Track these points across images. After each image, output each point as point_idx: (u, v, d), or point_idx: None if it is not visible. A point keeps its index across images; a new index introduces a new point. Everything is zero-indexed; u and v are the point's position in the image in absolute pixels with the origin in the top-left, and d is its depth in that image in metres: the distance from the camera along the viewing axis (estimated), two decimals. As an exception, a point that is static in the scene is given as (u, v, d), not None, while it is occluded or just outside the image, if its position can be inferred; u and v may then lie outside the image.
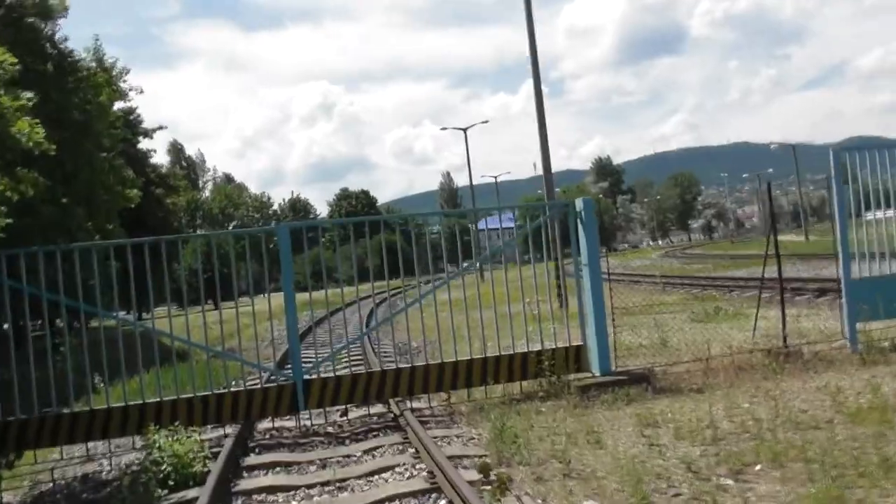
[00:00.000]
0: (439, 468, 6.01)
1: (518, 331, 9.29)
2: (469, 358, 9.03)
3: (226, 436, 8.45)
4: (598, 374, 9.17)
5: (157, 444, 6.86)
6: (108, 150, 22.00)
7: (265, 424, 8.96)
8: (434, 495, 5.77)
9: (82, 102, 20.38)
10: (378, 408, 9.26)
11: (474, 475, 5.86)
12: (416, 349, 11.82)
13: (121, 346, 8.39)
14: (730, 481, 5.13)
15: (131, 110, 30.21)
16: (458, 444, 7.33)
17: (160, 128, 31.74)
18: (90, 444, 8.50)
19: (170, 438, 7.04)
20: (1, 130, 7.63)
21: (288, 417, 8.97)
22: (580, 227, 9.37)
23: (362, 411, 9.14)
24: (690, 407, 7.43)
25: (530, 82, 21.62)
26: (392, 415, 8.87)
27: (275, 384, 8.60)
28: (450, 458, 6.37)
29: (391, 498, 5.80)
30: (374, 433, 8.20)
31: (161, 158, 67.20)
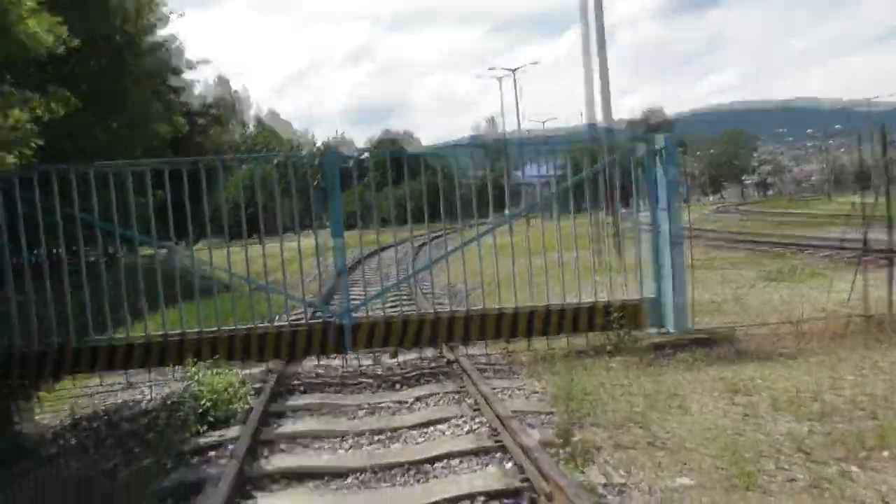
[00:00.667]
0: (504, 425, 5.36)
1: (577, 281, 8.52)
2: (531, 306, 8.31)
3: (269, 372, 7.96)
4: (672, 330, 8.39)
5: (197, 378, 6.35)
6: (152, 76, 21.49)
7: (310, 363, 8.44)
8: (497, 456, 5.12)
9: (124, 24, 19.80)
10: (430, 352, 8.66)
11: (540, 435, 5.22)
12: (469, 292, 11.09)
13: (159, 276, 7.88)
14: (854, 468, 4.37)
15: (173, 38, 29.51)
16: (520, 397, 6.68)
17: (204, 60, 30.99)
18: (132, 372, 8.10)
19: (210, 372, 6.52)
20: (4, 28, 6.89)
21: (335, 357, 8.44)
22: (659, 167, 8.46)
23: (413, 354, 8.55)
24: (784, 374, 6.63)
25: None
26: (445, 360, 8.26)
27: (320, 322, 8.03)
28: (514, 413, 5.72)
29: (448, 455, 5.18)
30: (427, 379, 7.61)
31: (207, 91, 66.82)
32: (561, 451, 4.90)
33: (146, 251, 9.53)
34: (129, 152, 18.43)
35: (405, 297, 12.80)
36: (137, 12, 20.48)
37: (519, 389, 6.95)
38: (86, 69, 19.35)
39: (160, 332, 7.81)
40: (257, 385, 7.47)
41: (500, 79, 49.61)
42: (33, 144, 8.40)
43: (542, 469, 4.34)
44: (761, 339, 7.99)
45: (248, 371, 8.17)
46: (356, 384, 7.56)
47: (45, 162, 7.76)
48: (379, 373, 8.02)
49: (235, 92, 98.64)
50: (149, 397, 7.69)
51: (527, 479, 4.49)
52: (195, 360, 7.39)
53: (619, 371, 7.32)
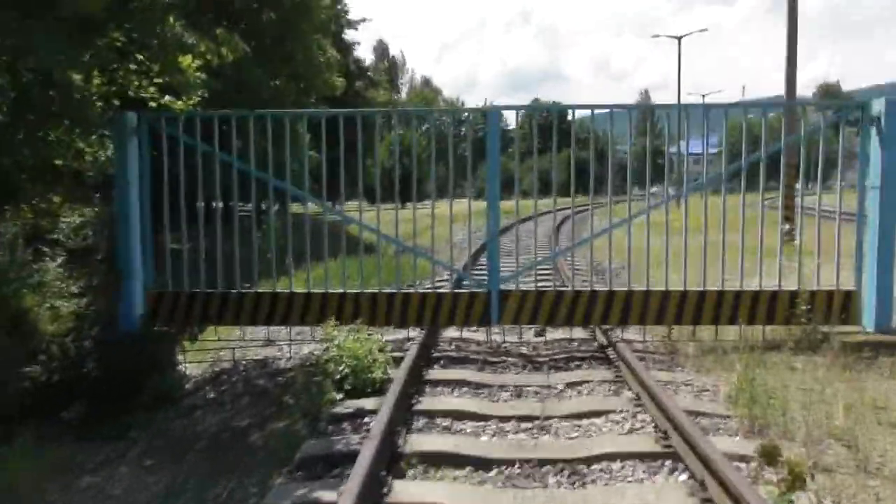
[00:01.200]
0: (675, 427, 4.57)
1: (759, 265, 7.40)
2: (700, 290, 7.34)
3: (409, 340, 7.58)
4: (870, 329, 7.14)
5: (337, 343, 6.02)
6: (321, 32, 21.83)
7: (451, 333, 7.97)
8: (668, 465, 4.35)
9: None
10: (578, 332, 7.92)
11: (721, 443, 4.39)
12: (617, 271, 10.15)
13: (307, 231, 7.65)
14: None
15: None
16: (687, 394, 5.82)
17: (364, 20, 31.37)
18: (273, 329, 8.02)
19: (350, 337, 6.18)
20: None
21: (475, 330, 7.91)
22: (873, 137, 7.13)
23: (560, 333, 7.84)
24: None
25: None
26: (597, 344, 7.50)
27: (467, 290, 7.50)
28: (685, 413, 4.90)
29: (608, 457, 4.47)
30: (577, 363, 6.90)
31: (366, 54, 68.55)
32: (755, 465, 4.06)
33: (297, 207, 9.44)
34: (292, 107, 18.94)
35: (546, 274, 12.08)
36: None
37: (685, 385, 6.08)
38: (258, 21, 19.90)
39: (304, 290, 7.62)
40: (397, 354, 7.09)
41: (678, 38, 46.63)
42: (201, 93, 8.48)
43: (729, 489, 3.55)
44: None
45: (388, 337, 7.84)
46: (500, 362, 6.99)
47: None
48: (524, 351, 7.41)
49: (393, 57, 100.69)
50: (288, 355, 7.55)
51: (709, 501, 3.71)
52: (337, 321, 7.14)
53: (808, 372, 6.25)
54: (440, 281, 10.47)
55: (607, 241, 7.68)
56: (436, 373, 6.56)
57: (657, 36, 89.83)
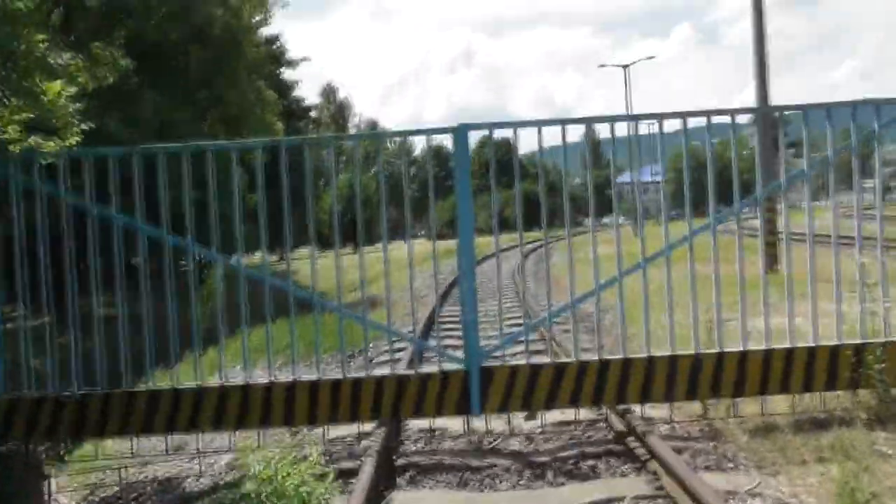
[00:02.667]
0: None
1: (812, 309, 5.73)
2: (741, 350, 5.63)
3: (362, 437, 5.69)
4: (960, 390, 5.52)
5: (253, 473, 4.07)
6: (254, 71, 20.10)
7: (419, 422, 6.08)
8: None
9: (227, 17, 18.44)
10: (583, 412, 6.10)
11: None
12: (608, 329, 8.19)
13: (219, 296, 5.72)
14: None
15: (275, 38, 28.38)
16: (763, 513, 4.05)
17: (304, 59, 29.80)
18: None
19: (274, 460, 4.23)
20: None
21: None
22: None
23: (559, 413, 5.99)
24: None
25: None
26: (611, 429, 5.71)
27: (437, 371, 5.63)
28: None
29: None
30: (592, 462, 5.09)
31: (312, 97, 66.98)
32: None
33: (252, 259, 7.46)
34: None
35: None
36: (243, 3, 19.13)
37: (756, 496, 4.31)
38: (185, 61, 17.96)
39: (215, 383, 5.65)
40: (347, 464, 5.18)
41: (625, 67, 46.41)
42: (76, 126, 6.51)
43: None
44: None
45: (336, 432, 5.92)
46: (487, 467, 5.12)
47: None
48: (517, 447, 5.56)
49: (341, 100, 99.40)
50: (196, 470, 5.55)
51: None
52: (262, 424, 5.23)
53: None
54: (399, 346, 8.58)
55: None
56: (404, 494, 4.66)
57: (604, 66, 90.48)
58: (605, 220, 33.33)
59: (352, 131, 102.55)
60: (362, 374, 5.64)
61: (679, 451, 5.02)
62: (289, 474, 4.09)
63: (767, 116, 16.06)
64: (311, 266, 5.62)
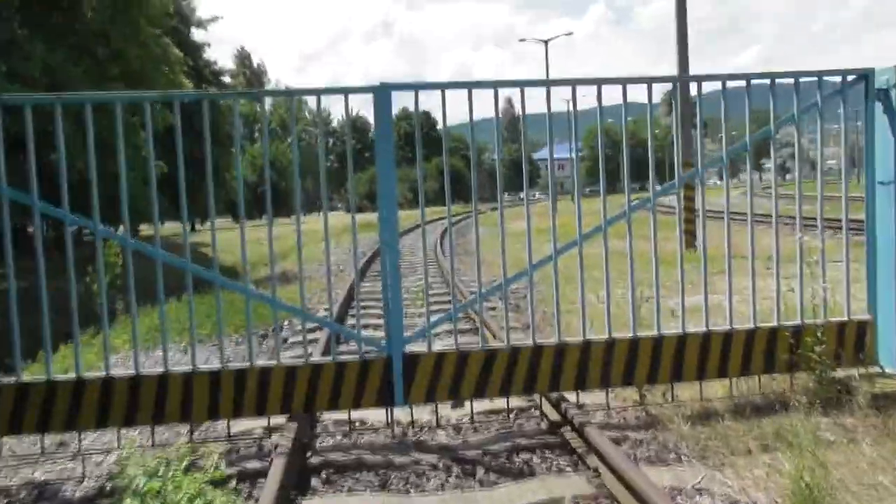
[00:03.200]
0: None
1: (751, 292, 5.50)
2: (679, 333, 5.33)
3: (268, 432, 5.10)
4: (893, 370, 5.42)
5: (135, 488, 3.42)
6: (158, 26, 18.63)
7: (335, 415, 5.53)
8: None
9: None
10: (514, 401, 5.68)
11: None
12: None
13: (100, 272, 4.95)
14: None
15: (182, -8, 26.59)
16: (712, 512, 3.74)
17: (215, 18, 28.04)
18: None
19: (166, 471, 3.59)
20: None
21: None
22: (879, 117, 5.43)
23: (484, 402, 5.55)
24: None
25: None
26: (544, 419, 5.33)
27: (355, 358, 5.07)
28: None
29: None
30: (527, 455, 4.69)
31: (226, 62, 64.20)
32: None
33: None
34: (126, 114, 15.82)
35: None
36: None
37: (703, 492, 4.00)
38: (79, 9, 16.47)
39: (99, 374, 4.91)
40: (253, 465, 4.59)
41: (545, 42, 46.39)
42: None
43: None
44: None
45: (239, 427, 5.30)
46: (412, 464, 4.63)
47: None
48: (444, 440, 5.09)
49: (257, 66, 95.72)
50: (78, 474, 4.82)
51: None
52: (154, 420, 4.57)
53: (851, 448, 4.38)
54: (314, 328, 7.96)
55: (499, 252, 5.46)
56: (317, 501, 4.12)
57: (523, 40, 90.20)
58: (522, 195, 33.14)
59: (267, 100, 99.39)
60: (271, 362, 5.02)
61: (618, 441, 4.68)
62: (180, 485, 3.47)
63: (685, 88, 16.09)
64: (212, 240, 4.92)
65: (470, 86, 5.14)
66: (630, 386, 5.35)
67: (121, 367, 5.62)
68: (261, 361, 5.02)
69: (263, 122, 5.27)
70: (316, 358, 5.27)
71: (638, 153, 12.00)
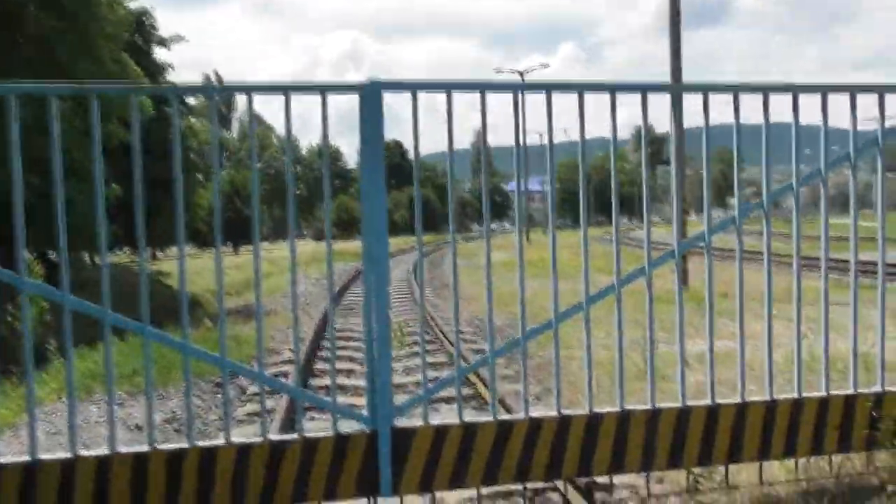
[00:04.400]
0: None
1: (825, 359, 4.47)
2: (739, 402, 4.26)
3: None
4: None
5: None
6: (112, 40, 17.41)
7: None
8: None
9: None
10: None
11: None
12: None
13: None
14: None
15: (145, 11, 25.36)
16: None
17: (177, 37, 26.79)
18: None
19: None
20: None
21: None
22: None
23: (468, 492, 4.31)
24: None
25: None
26: (563, 501, 4.18)
27: (329, 434, 3.88)
28: None
29: None
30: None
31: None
32: None
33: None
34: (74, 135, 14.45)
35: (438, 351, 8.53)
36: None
37: None
38: (32, 30, 15.36)
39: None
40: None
41: (521, 73, 46.10)
42: None
43: None
44: None
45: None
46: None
47: None
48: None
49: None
50: None
51: None
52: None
53: None
54: (276, 365, 6.71)
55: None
56: None
57: (500, 72, 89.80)
58: (494, 226, 32.36)
59: (235, 125, 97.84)
60: (218, 442, 3.80)
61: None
62: None
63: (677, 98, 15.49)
64: (140, 278, 3.72)
65: (482, 87, 4.08)
66: (678, 468, 4.24)
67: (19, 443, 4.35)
68: (202, 443, 3.78)
69: (212, 115, 4.13)
70: (276, 435, 4.05)
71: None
